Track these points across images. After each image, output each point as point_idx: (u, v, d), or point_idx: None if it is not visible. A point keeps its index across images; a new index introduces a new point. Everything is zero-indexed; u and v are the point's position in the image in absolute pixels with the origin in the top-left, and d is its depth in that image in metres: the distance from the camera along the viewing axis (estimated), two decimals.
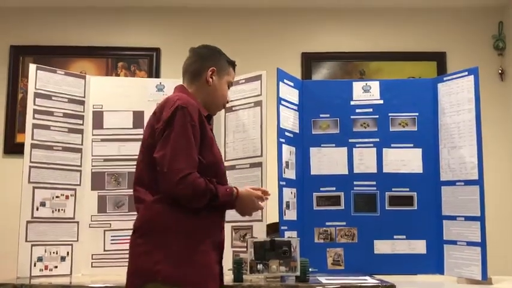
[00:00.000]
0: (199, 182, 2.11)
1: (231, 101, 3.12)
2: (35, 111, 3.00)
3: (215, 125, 3.13)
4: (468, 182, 2.89)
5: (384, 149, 3.12)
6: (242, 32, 4.38)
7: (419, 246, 3.04)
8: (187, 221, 2.14)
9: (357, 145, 3.14)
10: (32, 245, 2.90)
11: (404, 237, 3.05)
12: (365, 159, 3.13)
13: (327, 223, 3.10)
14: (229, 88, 2.48)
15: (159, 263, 2.07)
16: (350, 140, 3.15)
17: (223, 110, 3.11)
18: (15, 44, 4.32)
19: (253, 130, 3.02)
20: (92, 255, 3.03)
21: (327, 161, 3.15)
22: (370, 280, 2.67)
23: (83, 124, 3.12)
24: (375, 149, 3.13)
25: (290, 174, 3.02)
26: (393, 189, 3.09)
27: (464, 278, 2.85)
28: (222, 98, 2.42)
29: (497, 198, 3.88)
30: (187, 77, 2.41)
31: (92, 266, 3.03)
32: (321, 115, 3.18)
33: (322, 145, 3.16)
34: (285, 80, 3.07)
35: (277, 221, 2.89)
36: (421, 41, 4.35)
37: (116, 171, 3.12)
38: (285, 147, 2.99)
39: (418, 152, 3.10)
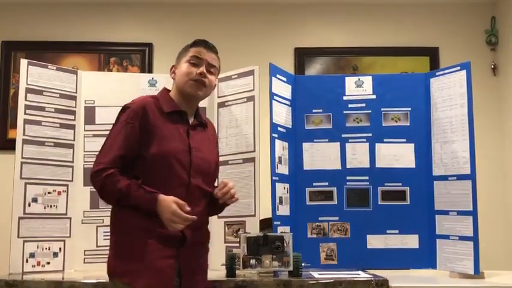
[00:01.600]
0: (110, 180, 2.14)
1: (224, 96, 3.12)
2: (27, 107, 2.98)
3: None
4: (460, 177, 2.89)
5: (376, 144, 3.12)
6: (235, 27, 4.37)
7: (411, 241, 3.05)
8: (131, 219, 2.17)
9: (350, 140, 3.14)
10: (24, 241, 2.88)
11: (397, 231, 3.06)
12: (358, 154, 3.13)
13: (320, 218, 3.10)
14: (196, 64, 2.36)
15: (109, 259, 2.24)
16: (343, 135, 3.15)
17: (215, 105, 3.12)
18: (7, 40, 4.31)
19: (246, 125, 3.02)
20: (85, 251, 3.02)
21: (320, 156, 3.15)
22: (363, 275, 2.68)
23: (74, 119, 3.11)
24: (367, 144, 3.13)
25: (283, 169, 3.02)
26: (386, 184, 3.09)
27: (456, 273, 2.85)
28: (186, 76, 2.34)
29: (489, 193, 3.90)
30: None
31: (84, 262, 3.02)
32: (313, 110, 3.18)
33: (315, 140, 3.16)
34: (278, 75, 3.07)
35: (270, 216, 2.89)
36: (413, 36, 4.36)
37: None
38: (277, 142, 2.98)
39: (411, 146, 3.11)
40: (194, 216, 2.12)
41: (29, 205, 2.92)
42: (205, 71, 2.35)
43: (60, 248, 2.97)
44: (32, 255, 2.89)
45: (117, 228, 2.25)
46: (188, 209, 2.12)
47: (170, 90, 2.43)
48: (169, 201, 2.11)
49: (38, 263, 2.90)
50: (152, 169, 2.19)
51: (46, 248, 2.93)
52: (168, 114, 2.29)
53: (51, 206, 2.97)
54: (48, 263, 2.93)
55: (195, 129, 2.36)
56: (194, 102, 2.40)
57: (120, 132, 2.21)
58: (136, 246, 2.16)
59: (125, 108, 2.27)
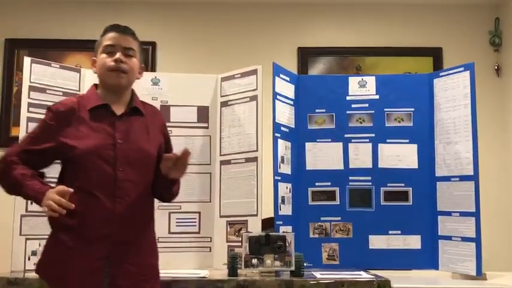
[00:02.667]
0: (8, 166, 2.11)
1: (226, 95, 3.12)
2: (30, 105, 2.98)
3: (211, 119, 3.13)
4: (463, 178, 2.89)
5: (379, 144, 3.12)
6: (238, 26, 4.36)
7: (414, 242, 3.04)
8: (57, 218, 2.07)
9: (353, 140, 3.14)
10: (26, 239, 2.89)
11: (399, 232, 3.05)
12: (360, 155, 3.12)
13: (322, 218, 3.10)
14: (112, 52, 2.23)
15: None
16: (345, 135, 3.15)
17: (218, 105, 3.12)
18: (10, 37, 4.30)
19: (248, 125, 3.01)
20: None
21: (323, 156, 3.14)
22: (364, 275, 2.67)
23: None
24: (370, 144, 3.13)
25: (285, 169, 3.02)
26: (388, 184, 3.09)
27: (458, 274, 2.85)
28: (103, 68, 2.23)
29: (492, 194, 3.88)
30: None
31: None
32: (316, 110, 3.18)
33: (317, 140, 3.16)
34: (281, 75, 3.07)
35: (273, 215, 2.89)
36: (417, 37, 4.35)
37: None
38: (280, 142, 2.98)
39: (414, 147, 3.10)
40: (68, 203, 1.99)
41: (31, 203, 2.90)
42: (121, 56, 2.22)
43: None
44: (34, 253, 2.89)
45: (52, 226, 2.18)
46: (69, 190, 2.01)
47: (95, 84, 2.33)
48: (52, 191, 2.02)
49: None
50: (78, 169, 2.13)
51: None
52: (92, 111, 2.20)
53: None
54: None
55: (123, 119, 2.23)
56: (120, 91, 2.26)
57: (36, 129, 2.22)
58: (62, 245, 2.10)
59: (48, 109, 2.24)
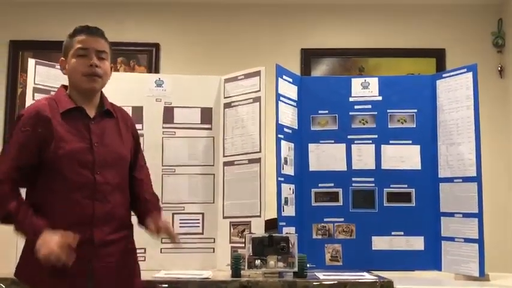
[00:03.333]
0: (1, 195, 2.07)
1: (230, 96, 3.12)
2: None
3: (214, 120, 3.13)
4: (466, 179, 2.89)
5: (382, 145, 3.12)
6: (242, 28, 4.38)
7: (417, 243, 3.04)
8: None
9: (356, 141, 3.15)
10: None
11: (402, 233, 3.06)
12: (363, 156, 3.13)
13: (325, 219, 3.10)
14: (84, 55, 2.19)
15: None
16: (348, 137, 3.15)
17: (221, 106, 3.13)
18: (15, 39, 4.32)
19: (252, 126, 3.02)
20: None
21: (326, 157, 3.15)
22: (368, 276, 2.67)
23: None
24: (373, 145, 3.13)
25: (289, 170, 3.03)
26: (391, 185, 3.09)
27: (461, 275, 2.85)
28: (77, 72, 2.18)
29: (495, 195, 3.88)
30: None
31: None
32: (319, 111, 3.18)
33: (320, 141, 3.16)
34: (284, 76, 3.07)
35: (276, 216, 2.90)
36: (420, 38, 4.35)
37: None
38: (283, 143, 2.99)
39: (417, 148, 3.11)
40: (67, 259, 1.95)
41: None
42: (95, 61, 2.18)
43: None
44: None
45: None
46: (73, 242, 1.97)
47: (64, 86, 2.30)
48: (49, 237, 1.97)
49: None
50: (55, 174, 2.10)
51: None
52: (65, 114, 2.16)
53: None
54: None
55: (96, 121, 2.22)
56: (93, 95, 2.24)
57: (15, 141, 2.13)
58: (30, 245, 2.07)
59: (19, 117, 2.18)
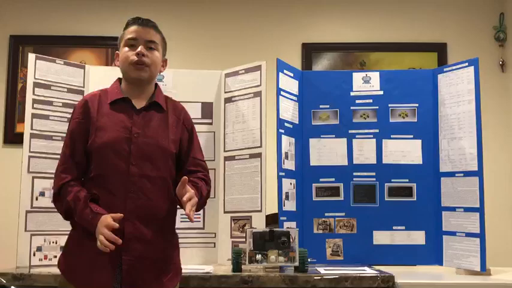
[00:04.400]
0: (59, 189, 2.14)
1: (230, 91, 3.12)
2: (34, 101, 2.99)
3: (214, 115, 3.13)
4: (468, 173, 2.89)
5: (383, 140, 3.12)
6: (242, 22, 4.36)
7: (418, 237, 3.04)
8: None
9: (357, 136, 3.14)
10: (32, 235, 2.90)
11: (403, 228, 3.06)
12: (365, 150, 3.12)
13: (326, 214, 3.10)
14: (134, 45, 2.25)
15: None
16: (350, 131, 3.15)
17: (222, 101, 3.12)
18: (15, 34, 4.31)
19: (252, 121, 3.02)
20: None
21: (327, 152, 3.15)
22: (368, 271, 2.68)
23: None
24: (374, 140, 3.13)
25: (289, 165, 3.02)
26: (392, 180, 3.09)
27: (463, 269, 2.85)
28: (126, 61, 2.24)
29: (496, 189, 3.88)
30: None
31: None
32: (320, 106, 3.18)
33: (321, 136, 3.16)
34: (285, 71, 3.07)
35: (277, 211, 2.90)
36: (421, 32, 4.34)
37: None
38: (284, 138, 2.98)
39: (418, 143, 3.10)
40: (117, 239, 1.99)
41: (36, 199, 2.93)
42: (143, 50, 2.24)
43: None
44: (39, 248, 2.91)
45: (71, 223, 2.22)
46: (116, 225, 2.00)
47: (119, 79, 2.36)
48: (104, 219, 2.02)
49: (45, 257, 2.92)
50: (94, 162, 2.15)
51: (53, 242, 2.94)
52: (112, 104, 2.22)
53: None
54: (55, 256, 2.93)
55: (143, 113, 2.24)
56: (143, 85, 2.28)
57: (68, 131, 2.24)
58: (78, 241, 2.14)
59: (74, 107, 2.29)
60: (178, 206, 2.26)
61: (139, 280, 2.11)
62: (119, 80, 2.34)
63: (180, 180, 2.08)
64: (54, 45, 4.28)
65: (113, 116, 2.20)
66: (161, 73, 2.36)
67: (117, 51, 2.34)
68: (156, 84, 2.35)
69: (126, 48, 2.26)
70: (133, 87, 2.27)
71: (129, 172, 2.13)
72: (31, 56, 3.04)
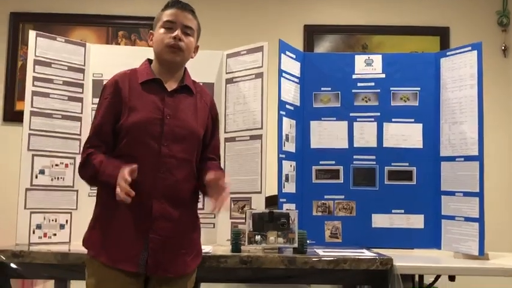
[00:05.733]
0: (88, 158, 2.17)
1: (232, 72, 3.10)
2: (35, 79, 2.97)
3: (216, 96, 3.12)
4: (468, 158, 2.88)
5: (384, 123, 3.11)
6: (245, 3, 4.34)
7: (417, 221, 3.05)
8: (104, 189, 2.16)
9: (358, 119, 3.13)
10: (31, 213, 2.90)
11: (402, 211, 3.06)
12: (365, 134, 3.12)
13: (326, 196, 3.10)
14: (171, 28, 2.26)
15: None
16: (351, 114, 3.14)
17: (223, 82, 3.11)
18: (15, 11, 4.29)
19: (253, 102, 3.01)
20: None
21: (327, 134, 3.14)
22: (367, 253, 2.68)
23: (82, 92, 3.10)
24: (375, 123, 3.12)
25: (290, 147, 3.02)
26: (393, 163, 3.09)
27: (461, 253, 2.86)
28: (161, 43, 2.26)
29: (496, 174, 3.89)
30: None
31: None
32: (322, 88, 3.16)
33: (322, 118, 3.15)
34: (287, 52, 3.05)
35: (276, 193, 2.90)
36: (424, 16, 4.32)
37: None
38: (285, 119, 2.98)
39: (419, 127, 3.09)
40: (128, 190, 2.00)
41: (36, 177, 2.93)
42: (180, 34, 2.25)
43: (66, 220, 2.98)
44: (38, 226, 2.91)
45: (97, 199, 2.26)
46: (128, 178, 2.02)
47: (149, 60, 2.39)
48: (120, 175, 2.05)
49: (45, 235, 2.92)
50: (126, 142, 2.17)
51: (53, 220, 2.95)
52: (144, 84, 2.25)
53: (58, 178, 2.98)
54: (55, 234, 2.95)
55: (174, 95, 2.27)
56: (174, 68, 2.31)
57: (98, 109, 2.26)
58: (105, 218, 2.17)
59: (104, 85, 2.30)
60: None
61: (165, 259, 2.15)
62: (148, 60, 2.36)
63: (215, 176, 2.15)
64: (54, 23, 4.26)
65: (145, 97, 2.22)
66: (192, 58, 2.37)
67: (151, 31, 2.35)
68: (185, 68, 2.36)
69: (163, 30, 2.27)
70: (164, 69, 2.29)
71: (160, 152, 2.16)
72: (32, 33, 3.02)
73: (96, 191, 2.30)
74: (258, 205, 2.86)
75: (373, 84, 3.14)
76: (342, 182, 3.10)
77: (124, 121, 2.17)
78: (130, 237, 2.11)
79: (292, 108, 3.05)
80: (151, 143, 2.16)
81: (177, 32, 2.25)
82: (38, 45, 3.00)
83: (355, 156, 3.11)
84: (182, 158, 2.21)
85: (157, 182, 2.15)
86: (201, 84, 2.45)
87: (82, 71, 3.10)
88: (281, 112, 2.95)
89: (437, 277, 3.09)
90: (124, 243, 2.12)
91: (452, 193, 2.95)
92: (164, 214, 2.15)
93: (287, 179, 2.97)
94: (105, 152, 2.20)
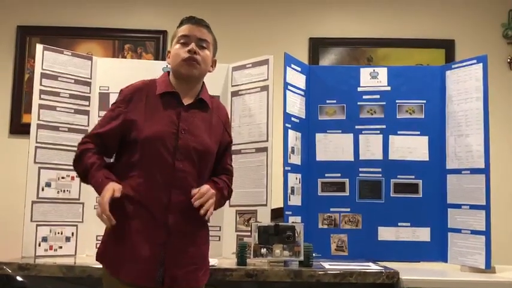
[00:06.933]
0: (84, 153, 2.17)
1: (237, 85, 3.11)
2: (41, 92, 2.99)
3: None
4: (474, 171, 2.88)
5: (390, 136, 3.11)
6: (250, 16, 4.36)
7: (423, 234, 3.04)
8: (120, 201, 2.11)
9: (363, 132, 3.13)
10: (37, 225, 2.91)
11: (408, 224, 3.05)
12: (371, 146, 3.12)
13: (332, 209, 3.10)
14: (186, 43, 2.27)
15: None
16: (356, 127, 3.14)
17: (229, 94, 3.12)
18: (22, 25, 4.32)
19: (259, 115, 3.01)
20: (97, 236, 3.02)
21: (333, 147, 3.14)
22: (373, 266, 2.67)
23: (89, 105, 3.11)
24: (381, 135, 3.12)
25: (295, 159, 3.02)
26: (398, 176, 3.08)
27: (467, 267, 2.85)
28: (177, 58, 2.26)
29: (503, 187, 3.87)
30: None
31: (96, 247, 3.01)
32: (327, 101, 3.17)
33: (328, 131, 3.15)
34: (292, 65, 3.06)
35: (282, 206, 2.89)
36: (430, 28, 4.32)
37: None
38: (291, 132, 2.98)
39: (425, 139, 3.09)
40: (108, 219, 2.01)
41: (42, 189, 2.94)
42: (195, 47, 2.26)
43: (72, 233, 2.99)
44: (44, 239, 2.92)
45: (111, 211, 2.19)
46: (117, 195, 2.04)
47: (168, 73, 2.38)
48: (107, 189, 2.04)
49: (51, 247, 2.93)
50: (139, 153, 2.15)
51: (59, 233, 2.95)
52: (161, 97, 2.24)
53: (64, 190, 2.99)
54: (61, 247, 2.95)
55: (189, 110, 2.25)
56: (192, 82, 2.29)
57: (108, 113, 2.26)
58: (118, 232, 2.12)
59: (120, 92, 2.28)
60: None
61: (180, 274, 2.13)
62: (167, 73, 2.36)
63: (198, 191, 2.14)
64: (61, 36, 4.28)
65: (161, 109, 2.21)
66: (210, 72, 2.38)
67: (169, 49, 2.36)
68: (203, 83, 2.36)
69: (178, 45, 2.28)
70: (182, 84, 2.28)
71: (174, 167, 2.15)
72: (39, 47, 3.04)
73: None
74: (264, 218, 2.85)
75: (378, 96, 3.14)
76: (348, 194, 3.10)
77: (138, 134, 2.16)
78: (146, 252, 2.09)
79: (297, 120, 3.06)
80: (166, 157, 2.15)
81: (192, 46, 2.25)
82: (45, 58, 3.02)
83: (360, 169, 3.11)
84: (194, 173, 2.20)
85: (173, 196, 2.13)
86: (218, 100, 2.46)
87: (88, 84, 3.12)
88: (287, 125, 2.96)
89: None
90: (140, 258, 2.09)
91: (458, 206, 2.94)
92: (180, 229, 2.14)
93: (293, 192, 2.97)
94: (101, 152, 2.20)
